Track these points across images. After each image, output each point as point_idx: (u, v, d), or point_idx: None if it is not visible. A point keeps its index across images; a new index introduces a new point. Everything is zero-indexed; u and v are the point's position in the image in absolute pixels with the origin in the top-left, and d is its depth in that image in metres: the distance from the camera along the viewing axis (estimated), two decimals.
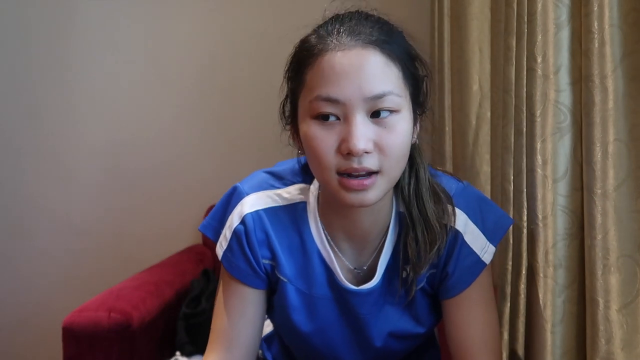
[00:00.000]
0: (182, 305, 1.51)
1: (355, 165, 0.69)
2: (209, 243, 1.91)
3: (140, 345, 1.32)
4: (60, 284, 2.07)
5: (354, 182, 0.70)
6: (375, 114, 0.70)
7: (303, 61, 0.74)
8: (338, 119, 0.70)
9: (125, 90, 2.03)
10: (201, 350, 1.40)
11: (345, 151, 0.69)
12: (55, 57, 2.03)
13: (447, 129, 1.37)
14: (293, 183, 0.86)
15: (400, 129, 0.71)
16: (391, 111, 0.70)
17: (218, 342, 0.85)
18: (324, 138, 0.71)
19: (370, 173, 0.70)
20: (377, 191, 0.72)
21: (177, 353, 1.38)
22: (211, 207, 1.90)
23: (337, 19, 0.74)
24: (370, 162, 0.70)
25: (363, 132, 0.69)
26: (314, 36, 0.74)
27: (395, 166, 0.72)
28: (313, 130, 0.71)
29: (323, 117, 0.71)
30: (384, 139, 0.70)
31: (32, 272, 2.10)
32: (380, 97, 0.69)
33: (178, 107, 2.02)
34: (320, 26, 0.75)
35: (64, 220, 2.07)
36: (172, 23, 1.99)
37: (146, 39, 2.01)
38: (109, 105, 2.03)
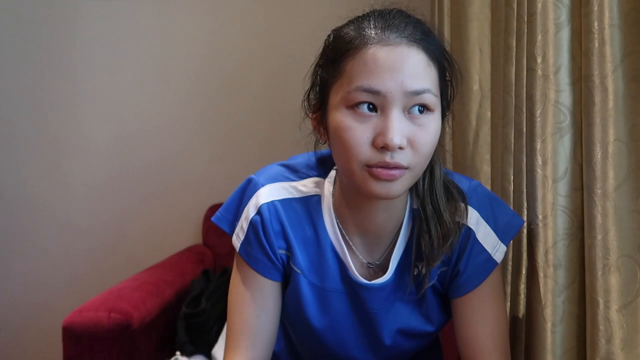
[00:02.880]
0: (182, 305, 1.51)
1: (387, 159, 0.70)
2: (209, 243, 1.91)
3: (140, 345, 1.32)
4: (60, 284, 2.07)
5: (384, 172, 0.70)
6: (410, 111, 0.71)
7: (341, 51, 0.74)
8: (375, 111, 0.71)
9: (125, 90, 2.03)
10: (201, 350, 1.41)
11: (381, 144, 0.69)
12: (55, 56, 2.03)
13: (447, 129, 1.37)
14: (308, 176, 0.86)
15: (432, 128, 0.72)
16: (427, 109, 0.71)
17: (240, 338, 0.84)
18: (358, 129, 0.71)
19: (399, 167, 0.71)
20: (402, 185, 0.73)
21: (177, 353, 1.38)
22: (212, 207, 1.93)
23: (380, 15, 0.75)
24: (401, 158, 0.70)
25: (399, 128, 0.69)
26: (351, 27, 0.74)
27: (423, 164, 0.73)
28: (348, 121, 0.71)
29: (360, 108, 0.70)
30: (417, 137, 0.71)
31: (33, 272, 2.10)
32: (419, 93, 0.70)
33: (178, 107, 2.02)
34: (359, 19, 0.76)
35: (64, 221, 2.07)
36: (172, 21, 1.99)
37: (146, 37, 2.01)
38: (109, 106, 2.03)
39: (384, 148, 0.69)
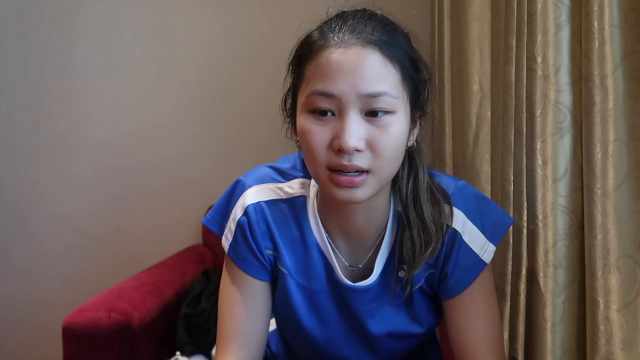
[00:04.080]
0: (182, 305, 1.51)
1: (345, 162, 0.70)
2: (209, 243, 1.91)
3: (140, 345, 1.32)
4: (60, 284, 2.07)
5: (344, 179, 0.70)
6: (369, 113, 0.70)
7: (304, 56, 0.75)
8: (334, 114, 0.71)
9: (125, 89, 2.03)
10: (201, 350, 1.41)
11: (337, 147, 0.69)
12: (55, 55, 2.03)
13: (447, 129, 1.37)
14: (295, 177, 0.87)
15: (394, 130, 0.71)
16: (386, 112, 0.70)
17: (231, 339, 0.84)
18: (317, 132, 0.71)
19: (361, 171, 0.71)
20: (366, 189, 0.72)
21: (177, 353, 1.38)
22: (211, 207, 1.92)
23: (341, 17, 0.75)
24: (360, 161, 0.70)
25: (355, 130, 0.69)
26: (316, 32, 0.75)
27: (387, 167, 0.73)
28: (308, 124, 0.72)
29: (319, 112, 0.71)
30: (376, 139, 0.70)
31: (32, 272, 2.10)
32: (375, 96, 0.69)
33: (178, 107, 2.02)
34: (324, 23, 0.76)
35: (64, 220, 2.07)
36: (172, 21, 1.99)
37: (146, 37, 2.01)
38: (109, 105, 2.03)
39: (341, 151, 0.69)
